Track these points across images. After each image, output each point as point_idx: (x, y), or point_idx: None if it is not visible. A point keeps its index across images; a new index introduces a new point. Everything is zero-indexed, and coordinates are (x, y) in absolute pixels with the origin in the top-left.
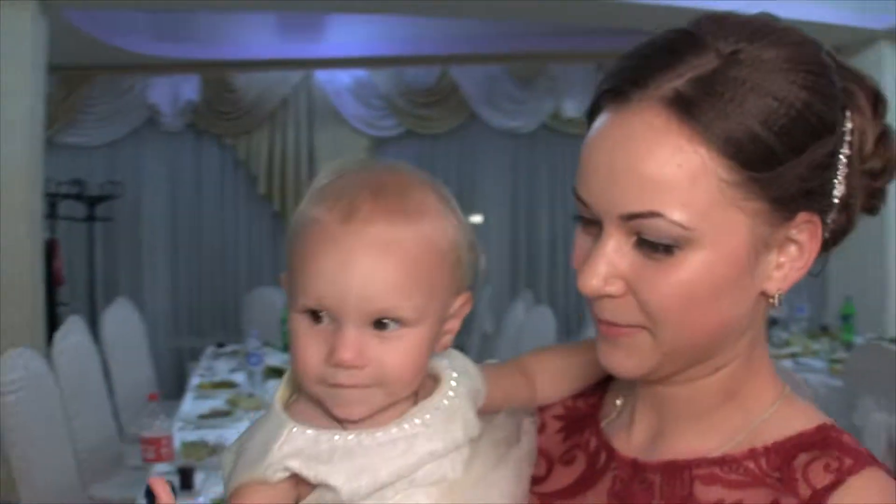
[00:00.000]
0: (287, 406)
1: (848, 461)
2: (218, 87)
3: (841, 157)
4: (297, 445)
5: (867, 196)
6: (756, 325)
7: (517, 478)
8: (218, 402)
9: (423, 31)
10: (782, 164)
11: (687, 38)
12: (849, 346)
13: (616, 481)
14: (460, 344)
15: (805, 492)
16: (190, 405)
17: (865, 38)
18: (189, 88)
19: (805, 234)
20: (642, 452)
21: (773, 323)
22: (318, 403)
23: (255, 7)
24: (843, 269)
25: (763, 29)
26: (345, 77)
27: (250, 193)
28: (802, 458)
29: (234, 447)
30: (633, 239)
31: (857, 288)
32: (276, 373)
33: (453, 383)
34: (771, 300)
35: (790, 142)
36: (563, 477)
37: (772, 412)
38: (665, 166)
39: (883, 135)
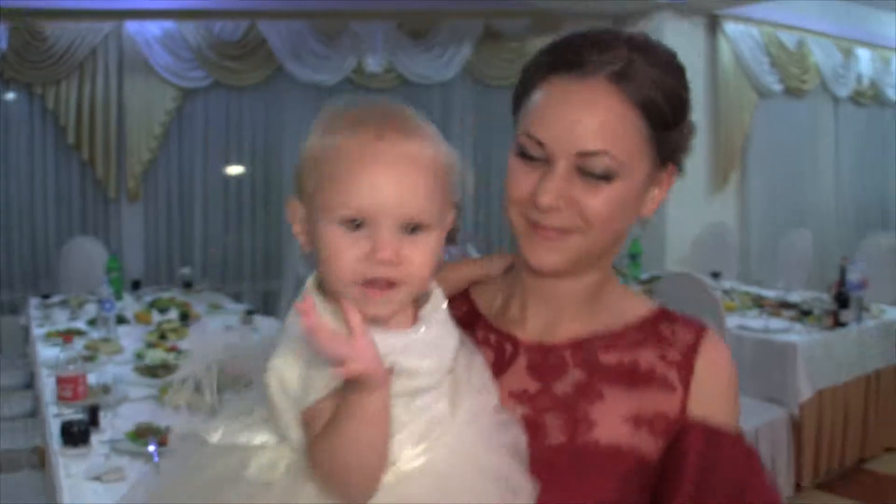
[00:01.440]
0: None
1: (696, 324)
2: (27, 35)
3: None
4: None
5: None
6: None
7: (485, 363)
8: (75, 348)
9: None
10: (670, 129)
11: (610, 34)
12: (639, 281)
13: (531, 360)
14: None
15: (681, 344)
16: (47, 353)
17: (648, 8)
18: None
19: (668, 178)
20: (544, 338)
21: None
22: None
23: None
24: None
25: (649, 41)
26: (154, 28)
27: (59, 143)
28: (664, 326)
29: (289, 360)
30: (577, 169)
31: (639, 231)
32: (120, 319)
33: (439, 291)
34: (641, 220)
35: (675, 116)
36: None
37: (623, 300)
38: (612, 120)
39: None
